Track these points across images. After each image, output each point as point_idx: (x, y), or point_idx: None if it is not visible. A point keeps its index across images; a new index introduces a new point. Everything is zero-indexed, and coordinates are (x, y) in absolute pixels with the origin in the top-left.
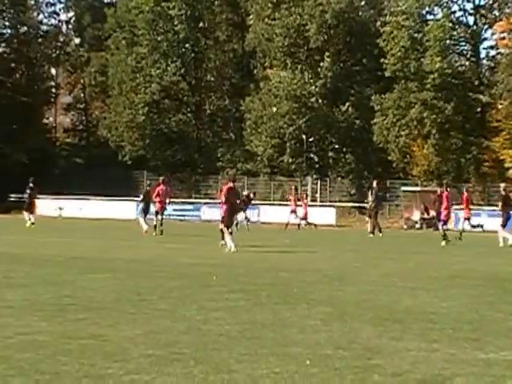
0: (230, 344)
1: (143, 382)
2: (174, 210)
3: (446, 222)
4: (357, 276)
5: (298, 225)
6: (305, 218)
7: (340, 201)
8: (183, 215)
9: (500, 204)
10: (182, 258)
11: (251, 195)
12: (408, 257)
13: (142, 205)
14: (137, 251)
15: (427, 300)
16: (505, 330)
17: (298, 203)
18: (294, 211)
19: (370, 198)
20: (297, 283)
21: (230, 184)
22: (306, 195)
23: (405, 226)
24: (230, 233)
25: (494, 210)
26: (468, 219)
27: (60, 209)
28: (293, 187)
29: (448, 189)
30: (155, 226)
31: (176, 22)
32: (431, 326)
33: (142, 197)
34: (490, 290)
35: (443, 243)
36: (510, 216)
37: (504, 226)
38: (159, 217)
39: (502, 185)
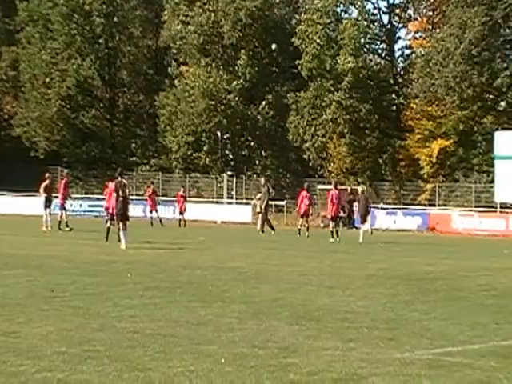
0: (144, 342)
1: (56, 379)
2: (90, 206)
3: (333, 219)
4: (273, 274)
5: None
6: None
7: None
8: (99, 211)
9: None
10: (97, 254)
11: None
12: (324, 255)
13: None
14: (52, 248)
15: (343, 299)
16: (420, 329)
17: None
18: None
19: (260, 196)
20: (212, 281)
21: (119, 179)
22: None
23: (321, 225)
24: (124, 229)
25: (407, 209)
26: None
27: None
28: (181, 188)
29: (337, 187)
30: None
31: (93, 18)
32: (347, 324)
33: (42, 191)
34: (406, 290)
35: (331, 240)
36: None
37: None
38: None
39: (360, 188)
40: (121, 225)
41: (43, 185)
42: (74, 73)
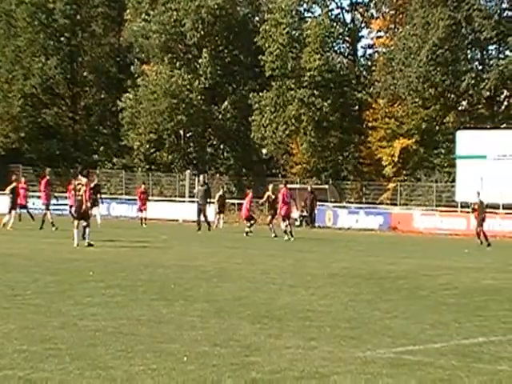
0: (106, 340)
1: (17, 377)
2: (53, 204)
3: (285, 218)
4: (235, 273)
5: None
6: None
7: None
8: (60, 210)
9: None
10: (59, 253)
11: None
12: (287, 254)
13: (10, 199)
14: (13, 246)
15: (305, 298)
16: (381, 328)
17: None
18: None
19: (199, 194)
20: (174, 279)
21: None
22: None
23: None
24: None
25: (369, 208)
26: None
27: None
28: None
29: (287, 186)
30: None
31: (56, 17)
32: (309, 323)
33: (9, 191)
34: (367, 289)
35: (286, 238)
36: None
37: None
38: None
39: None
40: (75, 223)
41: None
42: (38, 71)
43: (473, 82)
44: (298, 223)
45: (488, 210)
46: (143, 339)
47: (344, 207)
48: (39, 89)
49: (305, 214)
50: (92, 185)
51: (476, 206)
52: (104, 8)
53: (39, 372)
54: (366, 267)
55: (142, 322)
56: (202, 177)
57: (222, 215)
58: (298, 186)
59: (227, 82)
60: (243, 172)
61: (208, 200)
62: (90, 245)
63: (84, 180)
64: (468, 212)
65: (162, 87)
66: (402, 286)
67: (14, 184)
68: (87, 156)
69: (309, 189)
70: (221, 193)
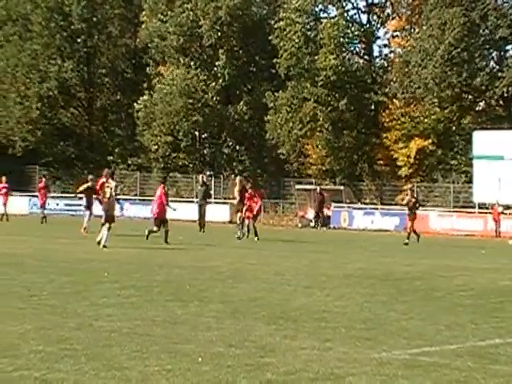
0: (121, 340)
1: (33, 378)
2: (66, 205)
3: (256, 218)
4: (250, 273)
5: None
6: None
7: (234, 198)
8: (75, 210)
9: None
10: (74, 253)
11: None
12: (302, 255)
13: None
14: (30, 246)
15: (321, 299)
16: (397, 329)
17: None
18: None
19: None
20: (189, 280)
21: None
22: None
23: (299, 225)
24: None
25: (385, 209)
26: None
27: None
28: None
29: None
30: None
31: (72, 19)
32: (324, 324)
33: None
34: (383, 290)
35: (256, 239)
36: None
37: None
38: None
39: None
40: (106, 225)
41: (85, 185)
42: (55, 74)
43: (488, 80)
44: (312, 224)
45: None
46: (158, 340)
47: (359, 208)
48: (56, 91)
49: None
50: (85, 186)
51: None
52: (120, 9)
53: (55, 372)
54: (382, 268)
55: (157, 323)
56: (201, 177)
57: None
58: (313, 186)
59: (243, 83)
60: (258, 173)
61: (207, 200)
62: (104, 247)
63: (113, 183)
64: (485, 213)
65: (178, 87)
66: (418, 287)
67: (88, 184)
68: (102, 157)
69: (317, 190)
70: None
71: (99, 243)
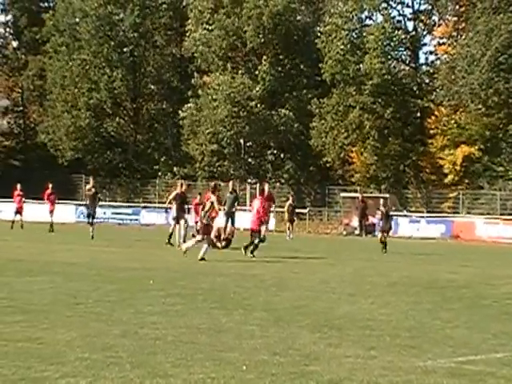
0: (166, 348)
1: None
2: (113, 213)
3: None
4: (294, 282)
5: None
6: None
7: (280, 206)
8: (122, 219)
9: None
10: (120, 261)
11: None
12: (347, 263)
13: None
14: (74, 254)
15: (365, 307)
16: (442, 337)
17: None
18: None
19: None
20: (234, 288)
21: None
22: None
23: (344, 232)
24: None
25: (431, 217)
26: None
27: None
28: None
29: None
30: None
31: (121, 29)
32: (369, 332)
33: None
34: (428, 298)
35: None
36: None
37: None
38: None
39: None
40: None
41: (174, 193)
42: (104, 84)
43: None
44: (357, 232)
45: None
46: (203, 348)
47: (405, 216)
48: (105, 101)
49: (366, 223)
50: (174, 194)
51: None
52: (167, 19)
53: (100, 380)
54: (427, 276)
55: (202, 331)
56: (231, 183)
57: (292, 224)
58: (358, 194)
59: (287, 89)
60: (302, 181)
61: (236, 208)
62: (202, 259)
63: (213, 197)
64: None
65: (223, 94)
66: (464, 295)
67: (177, 191)
68: (148, 166)
69: (359, 197)
70: (290, 201)
71: (185, 252)
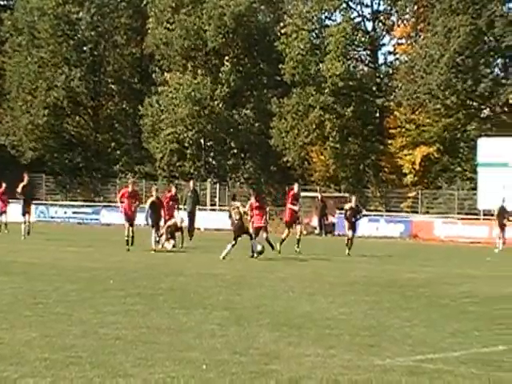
0: (126, 348)
1: None
2: (74, 212)
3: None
4: (255, 281)
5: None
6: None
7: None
8: (82, 218)
9: None
10: (80, 261)
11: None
12: (306, 262)
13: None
14: (35, 255)
15: (325, 306)
16: (401, 336)
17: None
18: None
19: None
20: (194, 288)
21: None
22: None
23: (304, 232)
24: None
25: (390, 216)
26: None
27: None
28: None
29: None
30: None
31: (79, 28)
32: (328, 331)
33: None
34: (387, 297)
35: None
36: None
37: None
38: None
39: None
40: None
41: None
42: (61, 83)
43: (493, 87)
44: (317, 231)
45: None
46: (163, 347)
47: (364, 215)
48: (63, 100)
49: (325, 222)
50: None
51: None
52: (127, 18)
53: (60, 380)
54: (386, 275)
55: (162, 331)
56: (191, 183)
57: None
58: (318, 194)
59: (248, 89)
60: (263, 180)
61: (197, 207)
62: (260, 253)
63: (237, 204)
64: (490, 220)
65: (184, 93)
66: (423, 295)
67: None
68: (109, 165)
69: (319, 197)
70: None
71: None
